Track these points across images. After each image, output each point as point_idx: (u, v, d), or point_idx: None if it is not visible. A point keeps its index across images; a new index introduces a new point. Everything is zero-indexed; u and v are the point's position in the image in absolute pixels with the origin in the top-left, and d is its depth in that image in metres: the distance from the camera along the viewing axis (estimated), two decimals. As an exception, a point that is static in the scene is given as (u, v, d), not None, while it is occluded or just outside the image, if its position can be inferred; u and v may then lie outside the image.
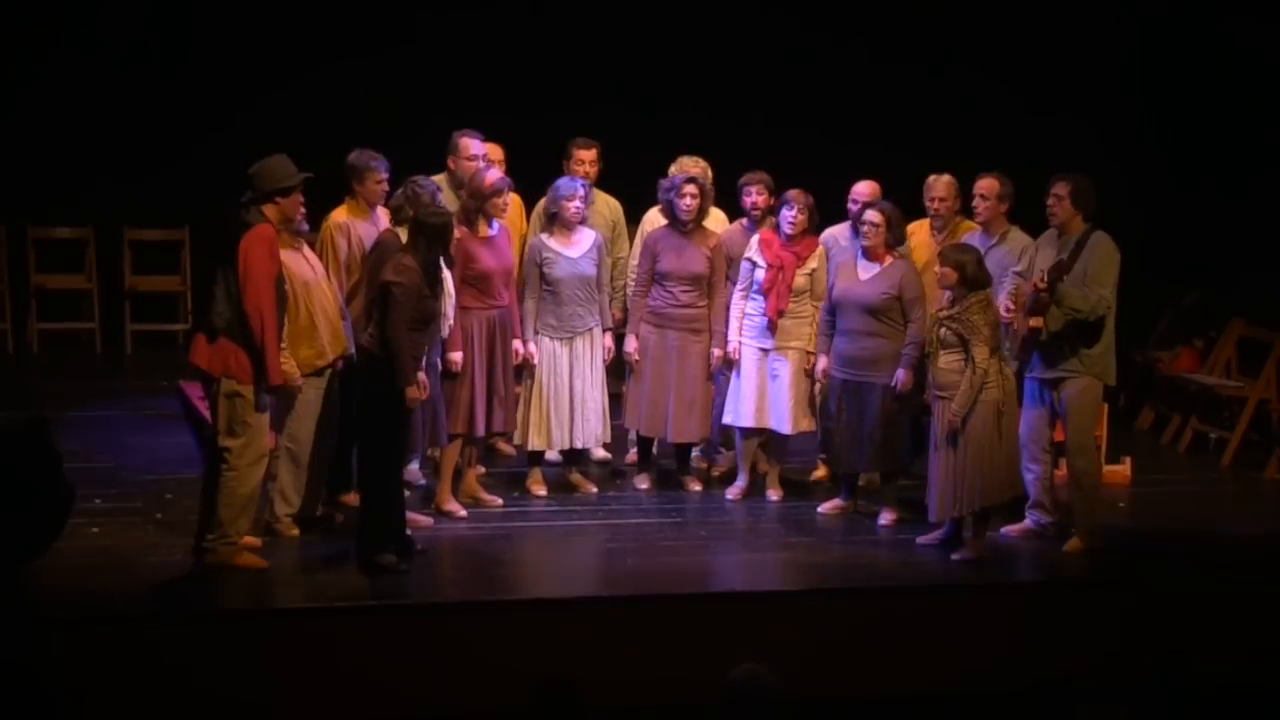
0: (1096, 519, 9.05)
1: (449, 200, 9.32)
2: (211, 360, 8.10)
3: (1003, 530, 9.17)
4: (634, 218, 10.22)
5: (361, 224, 9.02)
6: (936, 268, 8.79)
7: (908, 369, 9.14)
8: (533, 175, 9.97)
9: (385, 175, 9.08)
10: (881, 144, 10.88)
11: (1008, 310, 8.91)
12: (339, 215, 9.09)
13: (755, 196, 9.69)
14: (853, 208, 9.66)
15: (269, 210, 8.17)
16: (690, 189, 9.55)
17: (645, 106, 12.53)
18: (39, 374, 12.41)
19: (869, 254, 9.26)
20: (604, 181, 10.14)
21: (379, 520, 8.35)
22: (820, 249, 9.58)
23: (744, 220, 9.82)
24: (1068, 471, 9.11)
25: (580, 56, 12.76)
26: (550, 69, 12.74)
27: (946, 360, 8.68)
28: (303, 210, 8.46)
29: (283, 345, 8.32)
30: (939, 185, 9.66)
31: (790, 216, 9.45)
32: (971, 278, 8.66)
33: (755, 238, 9.60)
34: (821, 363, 9.40)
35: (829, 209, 9.85)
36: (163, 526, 8.86)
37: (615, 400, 9.97)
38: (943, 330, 8.69)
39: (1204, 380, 11.54)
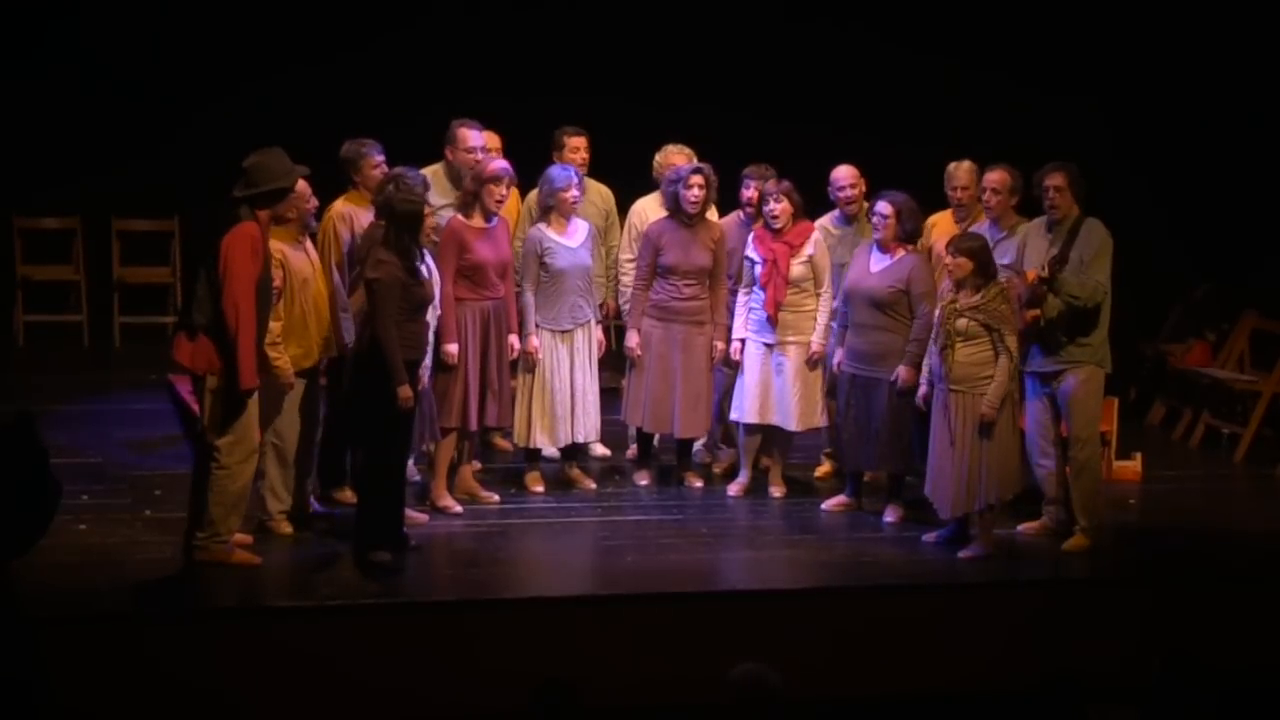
0: (1100, 515, 8.94)
1: (442, 192, 9.25)
2: (195, 357, 7.97)
3: (1019, 528, 9.06)
4: (623, 207, 10.09)
5: (364, 213, 8.91)
6: (948, 259, 8.64)
7: (909, 366, 9.00)
8: (524, 165, 9.83)
9: (381, 159, 9.02)
10: (880, 135, 10.79)
11: None
12: (340, 206, 9.00)
13: (753, 191, 9.56)
14: (835, 194, 9.60)
15: (259, 208, 7.99)
16: (697, 180, 9.41)
17: (635, 95, 12.42)
18: (25, 367, 12.31)
19: (882, 246, 9.12)
20: (593, 170, 10.02)
21: (376, 518, 8.26)
22: (815, 234, 9.43)
23: (740, 213, 9.70)
24: (1070, 463, 8.97)
25: (572, 45, 12.70)
26: (541, 57, 12.68)
27: (967, 353, 8.52)
28: (314, 203, 8.45)
29: (278, 341, 8.25)
30: (960, 173, 9.50)
31: (772, 210, 9.30)
32: (986, 265, 8.52)
33: (751, 235, 9.45)
34: (837, 356, 9.26)
35: (828, 201, 9.76)
36: (152, 523, 8.77)
37: (612, 394, 9.85)
38: (964, 322, 8.51)
39: (1216, 374, 11.47)
